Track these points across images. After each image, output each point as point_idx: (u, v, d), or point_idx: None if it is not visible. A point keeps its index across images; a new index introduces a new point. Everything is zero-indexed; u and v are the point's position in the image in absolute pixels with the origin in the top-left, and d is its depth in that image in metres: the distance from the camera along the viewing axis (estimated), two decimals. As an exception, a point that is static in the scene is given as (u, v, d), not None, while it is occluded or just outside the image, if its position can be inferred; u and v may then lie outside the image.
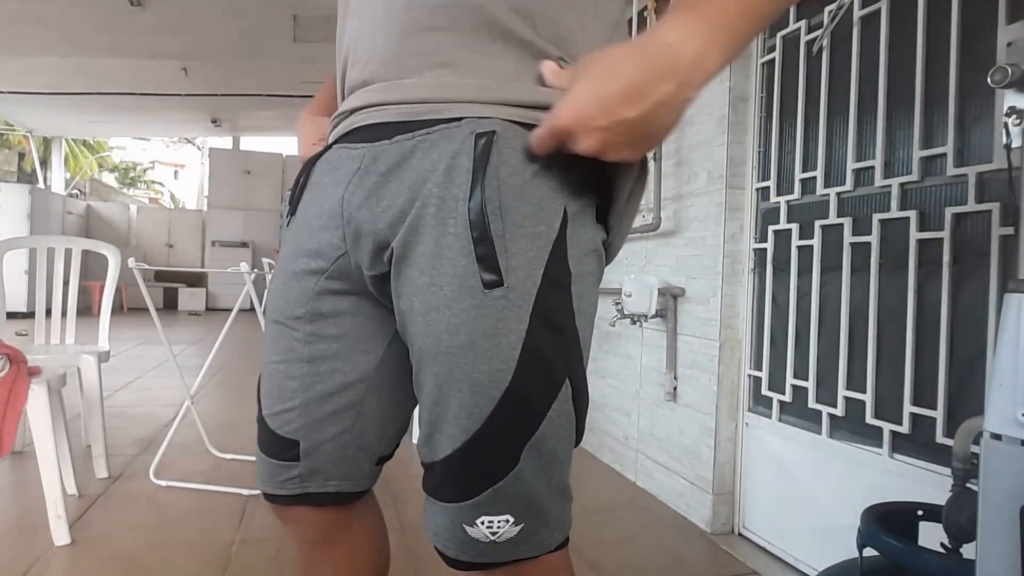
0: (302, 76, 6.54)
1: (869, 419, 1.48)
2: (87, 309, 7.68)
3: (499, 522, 0.58)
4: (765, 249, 1.85)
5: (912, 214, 1.39)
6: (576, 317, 0.59)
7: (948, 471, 1.08)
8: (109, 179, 20.04)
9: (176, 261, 10.44)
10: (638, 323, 2.31)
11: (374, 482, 0.78)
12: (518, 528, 0.58)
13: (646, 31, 0.52)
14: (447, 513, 0.60)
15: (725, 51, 0.48)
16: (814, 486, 1.66)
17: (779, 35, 1.82)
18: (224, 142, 11.20)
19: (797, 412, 1.73)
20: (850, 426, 1.56)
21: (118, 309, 8.52)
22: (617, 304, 2.35)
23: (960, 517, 0.99)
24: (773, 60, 1.85)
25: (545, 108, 0.54)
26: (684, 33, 0.47)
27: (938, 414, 1.32)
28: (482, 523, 0.58)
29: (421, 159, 0.58)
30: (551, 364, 0.58)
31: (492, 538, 0.58)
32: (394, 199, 0.59)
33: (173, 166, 27.30)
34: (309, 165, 0.73)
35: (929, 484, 1.32)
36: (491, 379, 0.56)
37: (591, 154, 0.52)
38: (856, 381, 1.54)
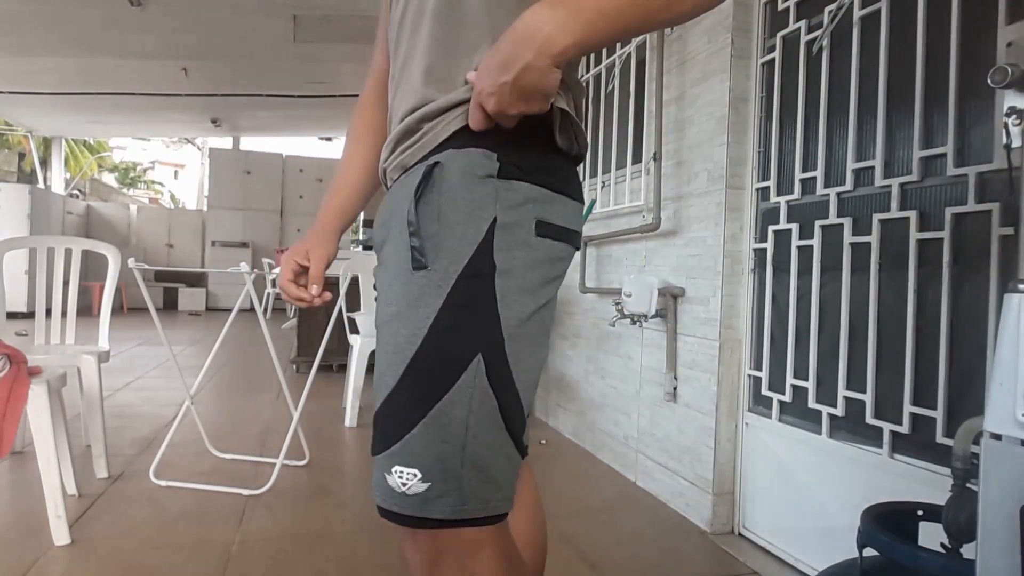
0: (302, 76, 6.55)
1: (869, 419, 1.48)
2: (87, 309, 7.68)
3: (408, 474, 0.67)
4: (765, 249, 1.85)
5: (912, 214, 1.39)
6: (499, 304, 0.68)
7: (948, 471, 1.08)
8: (109, 179, 20.04)
9: (176, 261, 10.44)
10: (638, 323, 2.32)
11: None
12: (425, 485, 0.66)
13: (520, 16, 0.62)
14: (376, 464, 0.70)
15: (576, 36, 0.60)
16: (814, 486, 1.66)
17: (779, 35, 1.82)
18: (224, 142, 11.21)
19: (797, 412, 1.73)
20: (850, 426, 1.56)
21: (118, 309, 8.53)
22: (617, 304, 2.35)
23: (960, 517, 0.99)
24: (773, 60, 1.85)
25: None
26: (543, 17, 0.60)
27: (938, 414, 1.32)
28: (395, 472, 0.67)
29: (403, 187, 0.75)
30: (459, 338, 0.67)
31: (403, 488, 0.67)
32: (386, 218, 0.78)
33: (173, 166, 27.30)
34: None
35: (929, 484, 1.32)
36: (407, 341, 0.68)
37: (496, 113, 0.65)
38: (856, 381, 1.54)
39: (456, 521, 0.67)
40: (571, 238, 0.77)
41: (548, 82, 0.62)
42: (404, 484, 0.67)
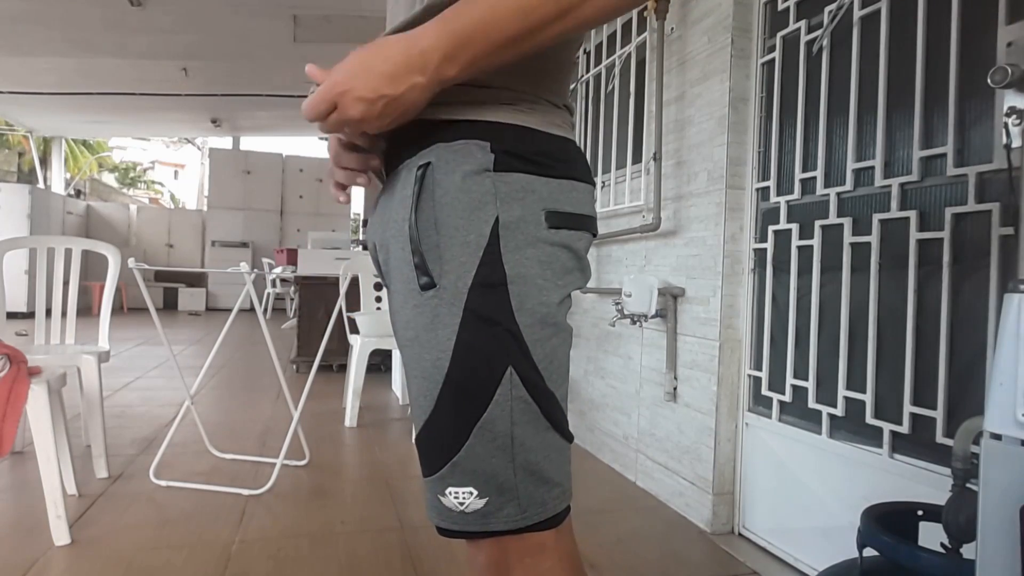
0: (302, 76, 6.53)
1: (869, 419, 1.48)
2: (87, 309, 7.68)
3: (463, 493, 0.66)
4: (765, 249, 1.85)
5: (912, 214, 1.39)
6: (516, 313, 0.65)
7: (948, 471, 1.08)
8: (109, 179, 20.04)
9: (176, 261, 10.44)
10: (638, 323, 2.32)
11: None
12: (483, 501, 0.66)
13: (409, 32, 0.60)
14: (427, 486, 0.69)
15: (459, 64, 0.59)
16: (814, 486, 1.66)
17: (779, 35, 1.82)
18: (224, 142, 11.20)
19: (797, 412, 1.73)
20: (850, 426, 1.56)
21: (118, 309, 8.53)
22: (617, 304, 2.35)
23: (960, 517, 0.99)
24: (773, 60, 1.85)
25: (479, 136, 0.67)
26: (433, 42, 0.59)
27: (938, 414, 1.32)
28: (450, 493, 0.66)
29: (392, 193, 0.71)
30: (486, 354, 0.65)
31: (461, 508, 0.66)
32: (382, 232, 0.74)
33: (173, 166, 27.29)
34: None
35: (929, 484, 1.32)
36: (434, 366, 0.66)
37: (352, 122, 0.62)
38: (856, 381, 1.54)
39: (522, 529, 0.67)
40: (587, 224, 0.74)
41: (421, 102, 0.62)
42: (461, 504, 0.66)
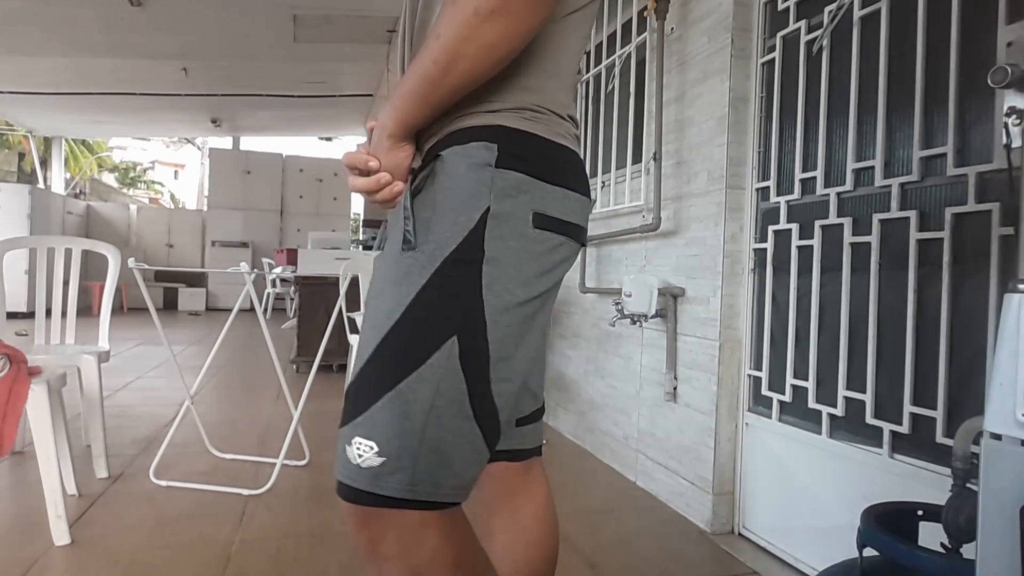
0: (302, 76, 6.55)
1: (869, 419, 1.48)
2: (87, 309, 7.68)
3: (365, 446, 0.67)
4: (765, 249, 1.85)
5: (912, 214, 1.39)
6: (485, 290, 0.69)
7: (948, 471, 1.08)
8: (109, 179, 20.04)
9: (176, 261, 10.44)
10: (638, 323, 2.32)
11: (521, 443, 0.92)
12: (380, 460, 0.66)
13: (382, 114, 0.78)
14: (340, 437, 0.70)
15: (399, 123, 0.74)
16: (814, 486, 1.66)
17: (779, 35, 1.82)
18: (224, 142, 11.20)
19: (797, 412, 1.73)
20: (850, 426, 1.56)
21: (118, 309, 8.53)
22: (617, 304, 2.35)
23: (960, 517, 0.99)
24: (773, 60, 1.85)
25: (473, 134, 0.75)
26: (385, 114, 0.76)
27: (938, 414, 1.32)
28: (355, 443, 0.67)
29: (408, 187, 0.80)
30: (436, 318, 0.68)
31: (358, 461, 0.67)
32: (393, 216, 0.81)
33: (173, 166, 27.29)
34: None
35: (929, 484, 1.33)
36: (387, 316, 0.69)
37: (378, 169, 0.78)
38: (856, 381, 1.54)
39: (403, 501, 0.66)
40: (573, 232, 0.77)
41: (391, 157, 0.76)
42: (360, 456, 0.67)
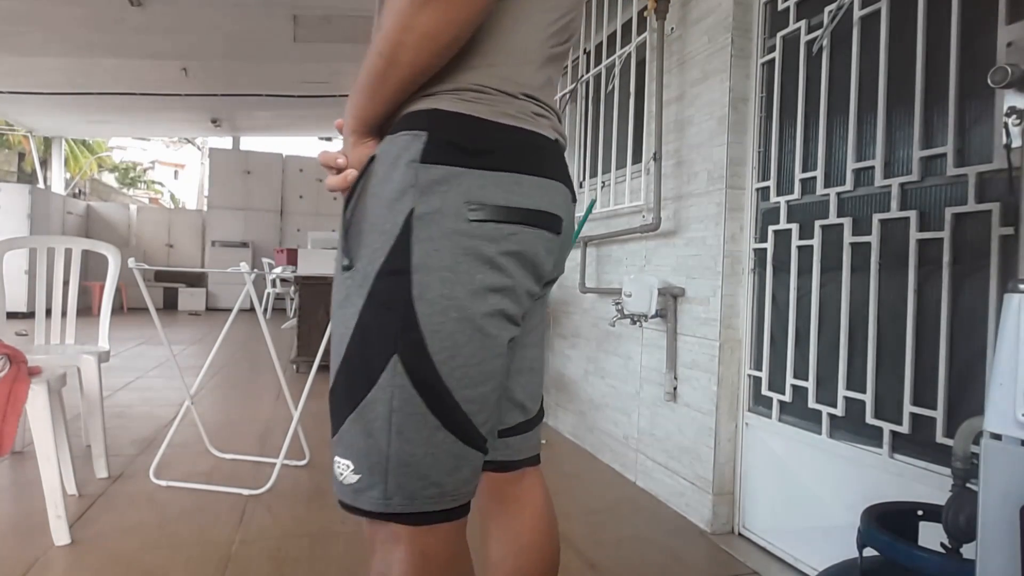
0: (302, 76, 6.54)
1: (869, 419, 1.48)
2: (87, 309, 7.68)
3: (343, 464, 0.69)
4: (765, 249, 1.85)
5: (912, 214, 1.39)
6: (416, 302, 0.67)
7: (948, 471, 1.08)
8: (109, 179, 20.04)
9: (176, 261, 10.44)
10: (638, 323, 2.32)
11: (508, 455, 0.89)
12: (356, 477, 0.68)
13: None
14: (332, 447, 0.73)
15: (356, 119, 0.74)
16: (814, 486, 1.66)
17: (779, 35, 1.82)
18: (224, 142, 11.19)
19: (797, 412, 1.73)
20: (850, 426, 1.56)
21: (118, 309, 8.53)
22: (617, 304, 2.35)
23: (960, 517, 0.99)
24: (773, 60, 1.85)
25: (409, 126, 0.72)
26: (346, 111, 0.75)
27: (938, 414, 1.32)
28: (337, 461, 0.70)
29: None
30: (377, 337, 0.68)
31: (341, 478, 0.70)
32: None
33: (173, 166, 27.29)
34: None
35: (929, 484, 1.32)
36: (340, 340, 0.71)
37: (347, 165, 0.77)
38: (856, 381, 1.54)
39: (382, 514, 0.68)
40: (532, 218, 0.71)
41: (356, 153, 0.75)
42: (341, 474, 0.69)
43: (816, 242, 1.66)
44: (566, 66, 3.07)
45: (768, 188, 1.86)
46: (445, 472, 0.69)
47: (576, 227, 2.15)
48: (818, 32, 1.68)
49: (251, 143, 11.18)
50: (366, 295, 0.68)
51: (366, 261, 0.69)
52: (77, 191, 13.89)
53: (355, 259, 0.70)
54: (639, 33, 2.43)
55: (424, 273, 0.66)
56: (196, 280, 9.98)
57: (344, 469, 0.69)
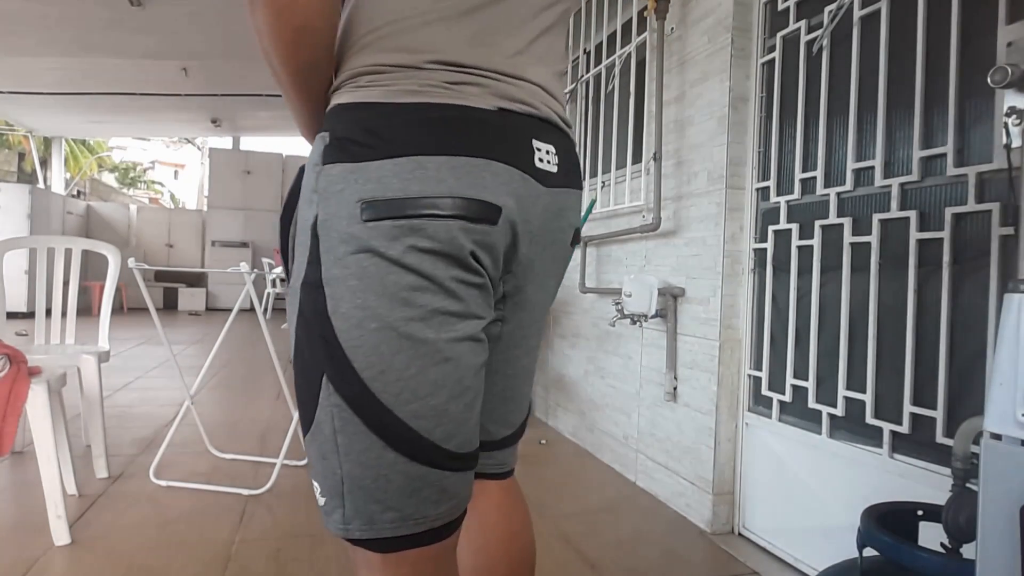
0: (302, 76, 6.54)
1: (869, 419, 1.48)
2: (87, 309, 7.68)
3: (315, 486, 0.67)
4: (765, 249, 1.85)
5: (912, 214, 1.39)
6: (332, 317, 0.61)
7: (948, 471, 1.08)
8: (109, 179, 20.05)
9: (176, 261, 10.44)
10: (638, 323, 2.32)
11: (493, 466, 0.84)
12: (324, 499, 0.66)
13: None
14: None
15: (300, 128, 0.74)
16: (814, 486, 1.66)
17: (779, 35, 1.82)
18: (224, 142, 11.20)
19: (797, 412, 1.73)
20: (850, 426, 1.56)
21: (118, 309, 8.53)
22: (617, 304, 2.35)
23: (960, 517, 0.99)
24: (773, 60, 1.85)
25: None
26: None
27: (938, 414, 1.32)
28: (313, 481, 0.68)
29: None
30: (310, 356, 0.64)
31: (317, 499, 0.68)
32: None
33: (173, 166, 27.31)
34: None
35: (929, 484, 1.32)
36: (292, 359, 0.68)
37: None
38: (856, 381, 1.54)
39: (347, 540, 0.66)
40: (445, 206, 0.59)
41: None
42: (317, 495, 0.68)
43: (816, 242, 1.66)
44: (566, 68, 3.07)
45: (768, 188, 1.86)
46: (404, 495, 0.63)
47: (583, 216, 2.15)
48: (818, 32, 1.68)
49: (251, 143, 11.19)
50: (296, 312, 0.65)
51: (294, 276, 0.66)
52: (77, 191, 13.89)
53: (290, 272, 0.68)
54: (639, 33, 2.43)
55: (334, 285, 0.61)
56: (196, 280, 9.98)
57: (316, 490, 0.67)
